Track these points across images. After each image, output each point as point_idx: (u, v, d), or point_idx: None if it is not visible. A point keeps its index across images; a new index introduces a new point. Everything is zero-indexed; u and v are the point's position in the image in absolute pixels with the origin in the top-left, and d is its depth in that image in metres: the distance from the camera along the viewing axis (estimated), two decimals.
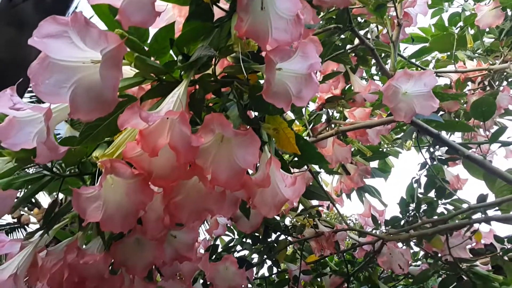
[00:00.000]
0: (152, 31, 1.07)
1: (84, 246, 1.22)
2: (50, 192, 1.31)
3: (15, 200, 1.17)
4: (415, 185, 2.72)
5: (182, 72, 1.04)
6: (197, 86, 1.12)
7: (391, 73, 1.74)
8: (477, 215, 2.36)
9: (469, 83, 2.89)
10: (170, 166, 0.98)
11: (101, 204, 0.95)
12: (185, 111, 0.97)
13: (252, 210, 2.26)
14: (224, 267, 1.86)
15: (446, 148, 2.80)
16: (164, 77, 1.05)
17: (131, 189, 0.97)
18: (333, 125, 2.19)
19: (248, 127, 1.10)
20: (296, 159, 2.18)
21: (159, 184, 1.00)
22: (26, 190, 1.16)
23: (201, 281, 2.15)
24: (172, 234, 1.38)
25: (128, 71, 1.03)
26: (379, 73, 2.81)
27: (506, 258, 2.52)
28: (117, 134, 1.04)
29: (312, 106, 2.58)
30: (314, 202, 2.68)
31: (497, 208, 2.35)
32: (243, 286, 1.92)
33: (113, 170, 0.92)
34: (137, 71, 1.02)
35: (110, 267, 1.26)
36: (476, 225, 2.47)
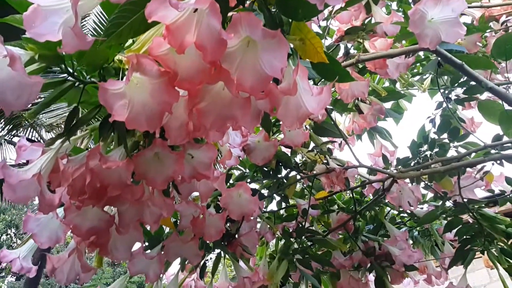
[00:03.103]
0: None
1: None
2: (70, 102, 1.29)
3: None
4: (430, 125, 2.70)
5: None
6: None
7: None
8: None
9: (491, 24, 2.79)
10: (195, 68, 0.96)
11: (127, 103, 0.94)
12: None
13: (265, 142, 2.27)
14: (237, 193, 1.89)
15: (463, 90, 2.76)
16: None
17: (156, 89, 0.96)
18: (351, 59, 2.14)
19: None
20: None
21: (184, 86, 0.98)
22: (47, 96, 1.15)
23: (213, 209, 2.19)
24: (190, 154, 1.38)
25: None
26: (399, 8, 2.71)
27: None
28: (141, 35, 1.01)
29: (329, 41, 2.51)
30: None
31: None
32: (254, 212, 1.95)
33: (140, 66, 0.90)
34: None
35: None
36: (488, 167, 2.47)
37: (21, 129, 10.04)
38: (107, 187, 1.17)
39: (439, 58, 2.05)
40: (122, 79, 1.07)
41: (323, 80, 2.00)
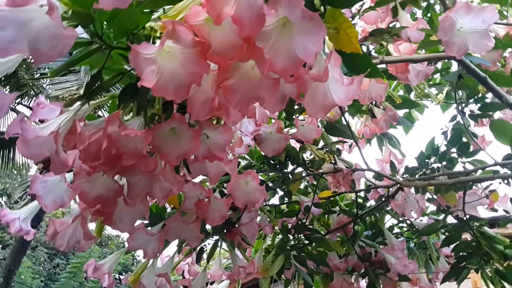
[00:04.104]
0: None
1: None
2: (92, 67, 1.28)
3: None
4: (440, 137, 2.69)
5: None
6: None
7: (449, 6, 1.66)
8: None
9: None
10: (229, 43, 0.95)
11: (156, 69, 0.93)
12: None
13: (277, 134, 2.26)
14: (245, 181, 1.87)
15: (477, 106, 2.75)
16: None
17: (187, 59, 0.94)
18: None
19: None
20: None
21: (215, 60, 0.97)
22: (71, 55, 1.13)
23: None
24: (206, 134, 1.37)
25: None
26: (425, 17, 2.70)
27: None
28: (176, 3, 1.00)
29: None
30: None
31: None
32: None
33: (174, 33, 0.88)
34: None
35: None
36: (494, 185, 2.47)
37: (27, 98, 10.01)
38: (122, 155, 1.16)
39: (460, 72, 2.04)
40: None
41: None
